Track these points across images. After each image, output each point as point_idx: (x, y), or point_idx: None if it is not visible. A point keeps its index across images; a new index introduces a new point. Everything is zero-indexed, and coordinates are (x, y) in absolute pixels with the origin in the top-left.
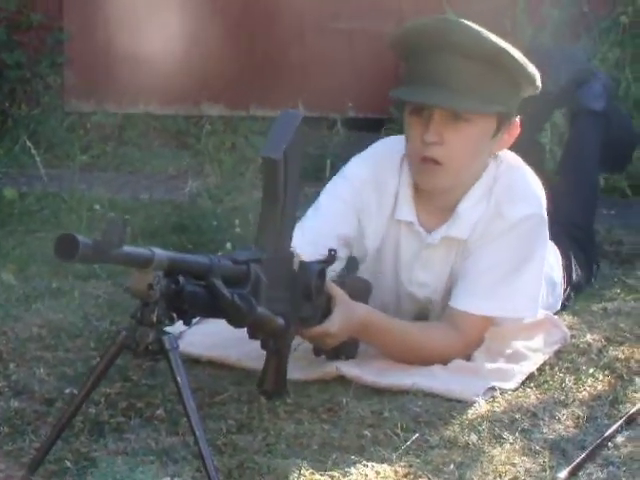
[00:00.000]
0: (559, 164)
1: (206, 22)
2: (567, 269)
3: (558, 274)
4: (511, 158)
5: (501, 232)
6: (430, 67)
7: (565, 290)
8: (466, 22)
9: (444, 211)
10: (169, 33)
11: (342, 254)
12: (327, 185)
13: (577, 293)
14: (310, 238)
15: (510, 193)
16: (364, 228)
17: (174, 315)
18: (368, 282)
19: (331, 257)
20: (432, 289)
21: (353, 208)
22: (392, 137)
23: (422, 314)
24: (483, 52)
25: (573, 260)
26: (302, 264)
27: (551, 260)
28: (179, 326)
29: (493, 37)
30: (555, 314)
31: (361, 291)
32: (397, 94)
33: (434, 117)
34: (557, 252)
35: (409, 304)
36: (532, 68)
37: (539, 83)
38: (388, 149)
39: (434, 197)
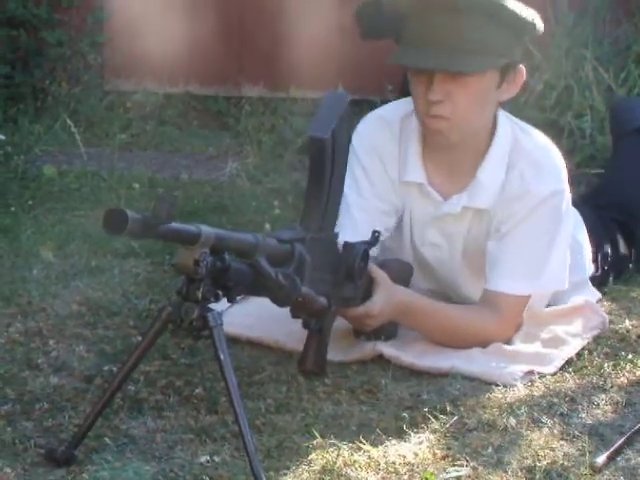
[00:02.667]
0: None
1: (247, 4)
2: (597, 244)
3: (584, 236)
4: (526, 125)
5: (531, 209)
6: (428, 27)
7: (599, 266)
8: None
9: (458, 174)
10: (209, 14)
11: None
12: (347, 171)
13: (616, 272)
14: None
15: (536, 167)
16: (386, 196)
17: (219, 292)
18: (409, 265)
19: (374, 239)
20: (444, 252)
21: (377, 187)
22: (390, 103)
23: (432, 278)
24: (481, 7)
25: (606, 236)
26: (346, 245)
27: (574, 221)
28: (221, 305)
29: None
30: (595, 284)
31: (402, 273)
32: (397, 58)
33: (437, 76)
34: (578, 215)
35: (421, 268)
36: (529, 12)
37: (540, 26)
38: (384, 114)
39: (447, 155)
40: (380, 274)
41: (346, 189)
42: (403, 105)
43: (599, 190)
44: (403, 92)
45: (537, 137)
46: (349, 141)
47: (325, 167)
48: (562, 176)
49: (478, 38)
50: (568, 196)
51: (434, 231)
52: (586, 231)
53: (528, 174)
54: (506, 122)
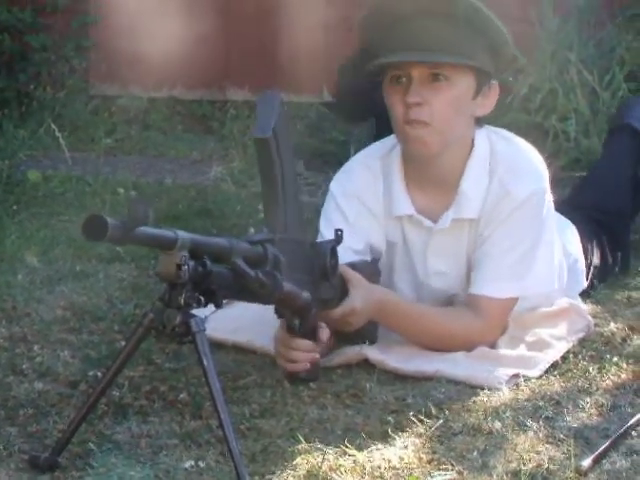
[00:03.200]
0: (588, 171)
1: (232, 7)
2: (585, 252)
3: (577, 248)
4: (504, 132)
5: (511, 211)
6: (404, 34)
7: (589, 278)
8: None
9: (444, 193)
10: (195, 17)
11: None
12: (322, 216)
13: (601, 279)
14: None
15: (514, 170)
16: (369, 237)
17: (201, 298)
18: (377, 265)
19: (339, 237)
20: (451, 278)
21: (357, 227)
22: (366, 149)
23: (445, 304)
24: (457, 12)
25: (594, 244)
26: (313, 244)
27: (567, 235)
28: (204, 310)
29: None
30: (580, 294)
31: (370, 274)
32: (377, 62)
33: (413, 79)
34: (574, 229)
35: (430, 297)
36: (501, 24)
37: (512, 45)
38: (362, 159)
39: (429, 172)
40: (352, 273)
41: (321, 229)
42: (380, 146)
43: (580, 189)
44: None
45: (515, 142)
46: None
47: (274, 166)
48: (541, 176)
49: (454, 40)
50: (549, 196)
51: (435, 259)
52: (580, 242)
53: (507, 177)
54: (483, 134)
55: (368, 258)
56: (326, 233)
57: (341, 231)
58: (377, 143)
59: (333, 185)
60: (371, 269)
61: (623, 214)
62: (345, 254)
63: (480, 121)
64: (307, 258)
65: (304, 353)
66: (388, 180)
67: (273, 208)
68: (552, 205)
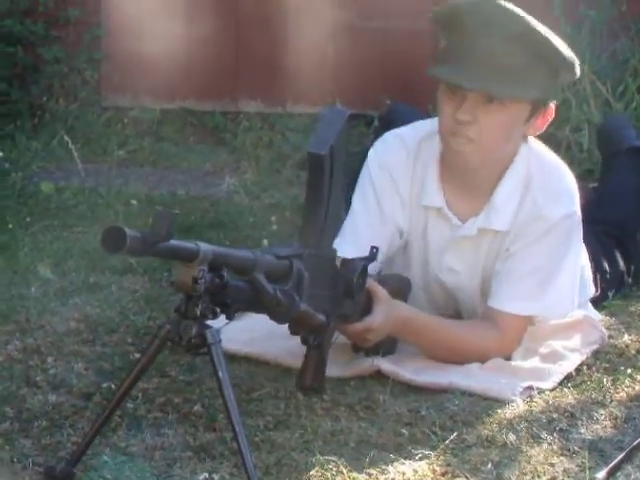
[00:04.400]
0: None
1: (243, 19)
2: (595, 261)
3: (584, 257)
4: (540, 146)
5: (543, 232)
6: (469, 47)
7: (598, 285)
8: (512, 6)
9: (476, 197)
10: (206, 29)
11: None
12: (357, 183)
13: (614, 289)
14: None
15: (549, 192)
16: (393, 215)
17: (217, 309)
18: (408, 280)
19: (372, 255)
20: (462, 277)
21: (384, 205)
22: (412, 124)
23: (450, 303)
24: (525, 38)
25: (603, 253)
26: (344, 261)
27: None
28: (217, 322)
29: (537, 24)
30: (594, 306)
31: (401, 289)
32: (435, 72)
33: (468, 97)
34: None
35: (439, 294)
36: (571, 55)
37: (577, 70)
38: (402, 135)
39: (464, 178)
40: (379, 289)
41: (355, 202)
42: (423, 127)
43: (591, 206)
44: (384, 124)
45: (549, 158)
46: (347, 157)
47: (323, 183)
48: (574, 199)
49: (516, 66)
50: (579, 219)
51: (452, 256)
52: (587, 251)
53: (541, 198)
54: (525, 150)
55: (396, 243)
56: (357, 204)
57: (376, 248)
58: (421, 122)
59: (371, 154)
60: (401, 284)
61: (635, 225)
62: (376, 234)
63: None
64: (334, 274)
65: None
66: (422, 167)
67: (312, 224)
68: (581, 228)
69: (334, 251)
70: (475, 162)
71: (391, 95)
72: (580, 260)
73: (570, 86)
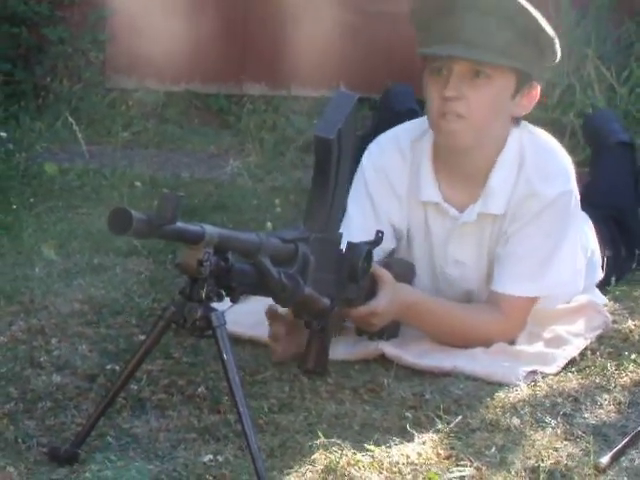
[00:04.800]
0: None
1: (249, 2)
2: (601, 247)
3: (593, 241)
4: (533, 128)
5: (538, 212)
6: (451, 26)
7: (603, 269)
8: None
9: (472, 185)
10: (211, 12)
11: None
12: (352, 187)
13: (617, 274)
14: None
15: (542, 170)
16: (390, 216)
17: (222, 292)
18: (412, 264)
19: (378, 239)
20: (469, 268)
21: (379, 208)
22: (403, 124)
23: (459, 297)
24: (505, 10)
25: (608, 238)
26: (350, 245)
27: (585, 229)
28: (221, 305)
29: (525, 3)
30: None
31: (406, 273)
32: (423, 51)
33: (453, 73)
34: (589, 221)
35: (447, 288)
36: (554, 35)
37: (558, 48)
38: (395, 136)
39: (459, 167)
40: (384, 273)
41: (350, 206)
42: (414, 126)
43: (590, 191)
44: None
45: (544, 139)
46: (355, 141)
47: (330, 167)
48: (569, 177)
49: (503, 42)
50: (576, 197)
51: (456, 248)
52: (595, 237)
53: (535, 176)
54: (516, 133)
55: (392, 243)
56: (352, 208)
57: (382, 232)
58: (411, 122)
59: (365, 158)
60: (405, 268)
61: (634, 209)
62: (371, 236)
63: (517, 120)
64: (339, 258)
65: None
66: (417, 164)
67: (318, 208)
68: (579, 206)
69: (340, 235)
70: (467, 140)
71: (396, 79)
72: (578, 237)
73: (574, 71)
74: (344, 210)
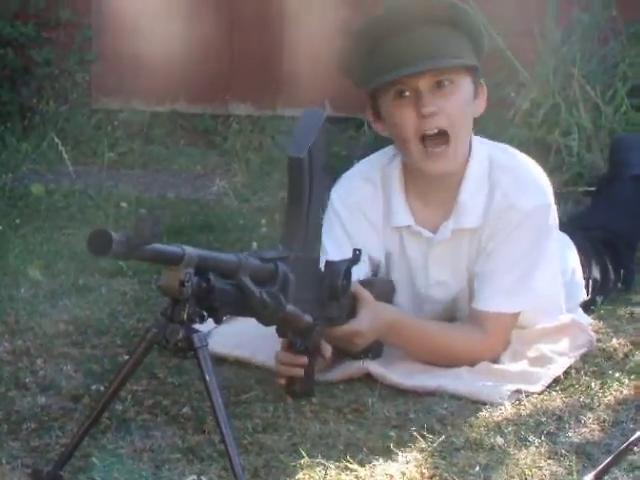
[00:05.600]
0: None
1: (234, 23)
2: (585, 266)
3: (574, 262)
4: (502, 144)
5: (516, 225)
6: (402, 46)
7: (589, 291)
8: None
9: (443, 203)
10: (197, 32)
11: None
12: (324, 226)
13: (603, 296)
14: None
15: (518, 183)
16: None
17: (204, 313)
18: (392, 283)
19: (356, 257)
20: (452, 287)
21: (357, 242)
22: (363, 160)
23: (446, 318)
24: (451, 17)
25: (594, 259)
26: (328, 263)
27: (566, 250)
28: (207, 325)
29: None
30: (582, 310)
31: (386, 292)
32: (378, 82)
33: (421, 90)
34: (571, 243)
35: (430, 309)
36: (473, 14)
37: (483, 30)
38: (362, 169)
39: (428, 188)
40: (364, 292)
41: (325, 243)
42: (379, 157)
43: (586, 215)
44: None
45: (518, 155)
46: (325, 158)
47: (303, 186)
48: (546, 190)
49: (449, 44)
50: (554, 211)
51: (435, 269)
52: (578, 257)
53: (511, 190)
54: (479, 143)
55: (368, 269)
56: (327, 243)
57: (359, 250)
58: (377, 153)
59: (333, 194)
60: (385, 287)
61: (631, 235)
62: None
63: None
64: (319, 277)
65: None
66: (387, 191)
67: (294, 227)
68: (557, 219)
69: (318, 254)
70: (453, 163)
71: None
72: (560, 253)
73: (560, 90)
74: (319, 228)
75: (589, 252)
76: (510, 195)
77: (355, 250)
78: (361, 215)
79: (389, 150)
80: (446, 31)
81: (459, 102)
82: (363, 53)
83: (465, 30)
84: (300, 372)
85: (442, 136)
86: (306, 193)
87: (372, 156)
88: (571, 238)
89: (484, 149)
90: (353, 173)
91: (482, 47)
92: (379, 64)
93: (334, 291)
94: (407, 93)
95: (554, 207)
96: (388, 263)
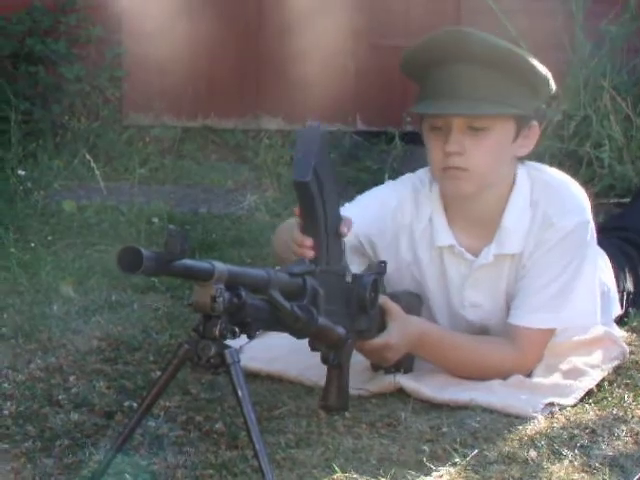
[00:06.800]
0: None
1: (264, 37)
2: (618, 278)
3: (609, 276)
4: (539, 165)
5: (555, 243)
6: (443, 80)
7: (622, 304)
8: (477, 31)
9: (485, 228)
10: (228, 47)
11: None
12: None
13: (636, 306)
14: None
15: (557, 202)
16: (399, 244)
17: (236, 329)
18: (420, 296)
19: (382, 269)
20: (487, 310)
21: (389, 218)
22: (419, 170)
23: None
24: (494, 56)
25: (627, 270)
26: (355, 276)
27: (601, 264)
28: (239, 340)
29: (504, 43)
30: (616, 321)
31: (413, 305)
32: (417, 108)
33: (453, 129)
34: (605, 257)
35: (465, 328)
36: (544, 69)
37: (553, 84)
38: (417, 179)
39: (470, 211)
40: (392, 305)
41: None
42: (415, 179)
43: (614, 217)
44: None
45: (554, 173)
46: (333, 169)
47: (315, 206)
48: (585, 208)
49: (492, 86)
50: (593, 229)
51: (472, 292)
52: (612, 271)
53: (551, 209)
54: (524, 170)
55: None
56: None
57: (384, 263)
58: (413, 175)
59: (388, 188)
60: (413, 300)
61: None
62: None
63: (522, 158)
64: (347, 290)
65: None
66: (429, 211)
67: (315, 244)
68: (595, 237)
69: (344, 267)
70: (470, 189)
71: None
72: (597, 270)
73: (591, 102)
74: (340, 243)
75: (622, 263)
76: (550, 214)
77: (381, 262)
78: (410, 217)
79: (426, 173)
80: (496, 75)
81: (489, 148)
82: (415, 73)
83: (521, 76)
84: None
85: (460, 170)
86: (319, 211)
87: (406, 177)
88: (606, 246)
89: (527, 176)
90: (412, 179)
91: (543, 93)
92: (423, 90)
93: (363, 303)
94: (442, 127)
95: (592, 224)
96: (425, 278)
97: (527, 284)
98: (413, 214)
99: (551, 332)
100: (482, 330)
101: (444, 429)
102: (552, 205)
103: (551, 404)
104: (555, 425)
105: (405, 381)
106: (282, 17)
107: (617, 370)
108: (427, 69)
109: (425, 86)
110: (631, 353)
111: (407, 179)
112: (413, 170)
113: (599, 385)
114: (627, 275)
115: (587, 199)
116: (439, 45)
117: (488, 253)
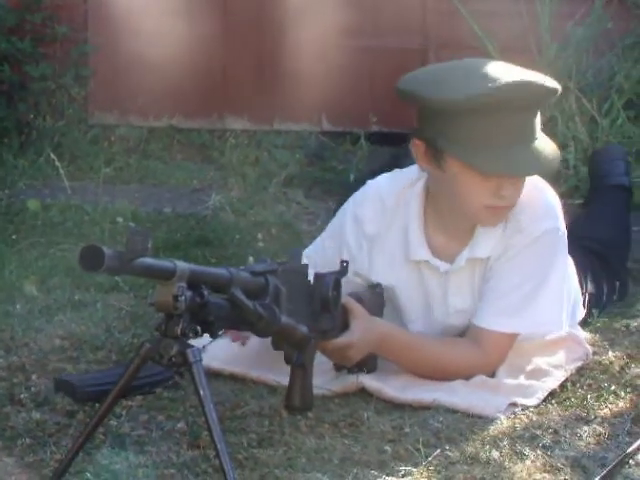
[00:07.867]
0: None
1: (229, 37)
2: (580, 280)
3: (574, 281)
4: None
5: (523, 247)
6: (513, 127)
7: (585, 307)
8: (543, 78)
9: (461, 232)
10: (193, 47)
11: None
12: (332, 220)
13: (599, 309)
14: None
15: (530, 210)
16: (373, 261)
17: (198, 328)
18: (382, 296)
19: (343, 268)
20: (469, 314)
21: (355, 247)
22: (384, 178)
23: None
24: (540, 100)
25: (589, 273)
26: (317, 275)
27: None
28: (202, 340)
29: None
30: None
31: (376, 305)
32: (494, 169)
33: (511, 183)
34: (570, 261)
35: (445, 334)
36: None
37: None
38: (379, 189)
39: (448, 224)
40: (355, 305)
41: (322, 235)
42: (403, 177)
43: (578, 222)
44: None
45: (532, 179)
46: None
47: None
48: (557, 215)
49: (538, 127)
50: (564, 235)
51: (455, 298)
52: (576, 275)
53: (523, 215)
54: None
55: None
56: (324, 240)
57: (346, 262)
58: (401, 173)
59: (350, 202)
60: (376, 300)
61: (619, 244)
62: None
63: None
64: (309, 289)
65: None
66: (404, 219)
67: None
68: (566, 244)
69: (306, 266)
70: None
71: (378, 113)
72: (566, 276)
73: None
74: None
75: (584, 266)
76: (521, 219)
77: (342, 262)
78: (361, 232)
79: (410, 174)
80: (536, 115)
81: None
82: (472, 116)
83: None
84: None
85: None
86: None
87: (397, 173)
88: (569, 249)
89: None
90: (374, 189)
91: None
92: (489, 135)
93: (325, 302)
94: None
95: (564, 230)
96: (402, 291)
97: (492, 287)
98: (381, 224)
99: (514, 336)
100: (460, 332)
101: (407, 429)
102: (524, 211)
103: (514, 404)
104: (518, 425)
105: (368, 381)
106: (250, 18)
107: (580, 371)
108: (496, 113)
109: (486, 131)
110: (594, 354)
111: (371, 191)
112: (379, 170)
113: (562, 385)
114: (589, 278)
115: (559, 204)
116: (519, 91)
117: (461, 258)
